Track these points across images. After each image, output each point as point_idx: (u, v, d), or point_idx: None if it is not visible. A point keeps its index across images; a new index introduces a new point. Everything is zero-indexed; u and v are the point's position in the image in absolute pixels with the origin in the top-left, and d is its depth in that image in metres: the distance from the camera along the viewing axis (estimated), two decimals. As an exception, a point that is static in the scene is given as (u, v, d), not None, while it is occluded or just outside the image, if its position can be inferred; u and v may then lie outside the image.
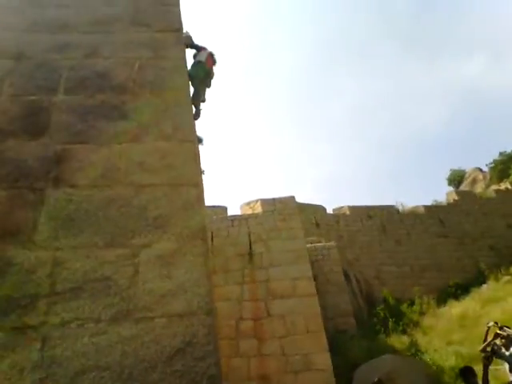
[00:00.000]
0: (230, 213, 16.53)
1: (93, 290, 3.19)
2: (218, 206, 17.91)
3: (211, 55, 7.30)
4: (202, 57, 7.13)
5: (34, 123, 4.14)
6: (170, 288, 3.21)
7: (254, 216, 14.64)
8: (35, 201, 3.61)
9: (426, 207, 24.52)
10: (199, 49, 7.21)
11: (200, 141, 6.42)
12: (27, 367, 2.91)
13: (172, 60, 4.83)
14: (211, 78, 7.25)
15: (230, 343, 11.81)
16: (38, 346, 2.98)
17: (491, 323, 6.12)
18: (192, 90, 6.47)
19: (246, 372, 11.63)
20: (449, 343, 13.80)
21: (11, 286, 3.17)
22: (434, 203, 26.40)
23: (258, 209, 14.96)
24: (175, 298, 3.18)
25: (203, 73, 6.99)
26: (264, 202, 15.05)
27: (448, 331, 14.59)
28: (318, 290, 13.55)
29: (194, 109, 6.47)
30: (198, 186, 3.89)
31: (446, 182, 40.30)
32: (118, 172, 3.85)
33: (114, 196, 3.69)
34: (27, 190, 3.67)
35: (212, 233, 13.65)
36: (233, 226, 14.42)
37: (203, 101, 7.11)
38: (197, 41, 7.22)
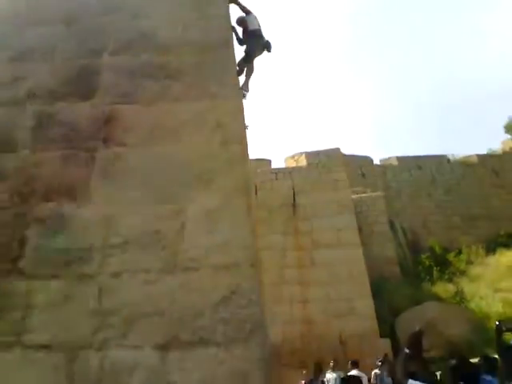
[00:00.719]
0: (273, 166, 16.58)
1: (143, 243, 3.40)
2: (262, 159, 17.97)
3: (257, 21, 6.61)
4: (254, 23, 6.51)
5: (84, 85, 4.28)
6: (215, 241, 3.37)
7: (298, 169, 14.61)
8: (87, 160, 3.81)
9: (480, 156, 23.42)
10: (245, 10, 6.58)
11: (243, 96, 6.20)
12: (86, 313, 3.20)
13: (216, 19, 4.76)
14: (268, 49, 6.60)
15: (274, 289, 12.20)
16: (96, 293, 3.26)
17: None
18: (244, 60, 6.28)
19: (289, 316, 12.09)
20: (496, 291, 13.66)
21: (70, 239, 3.44)
22: (489, 152, 25.16)
23: (303, 162, 14.89)
24: (220, 250, 3.34)
25: (261, 49, 6.50)
26: (309, 154, 14.93)
27: (496, 279, 14.40)
28: (362, 240, 13.61)
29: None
30: (242, 142, 3.95)
31: (503, 131, 37.66)
32: (164, 130, 3.97)
33: (162, 154, 3.83)
34: (80, 150, 3.88)
35: (256, 186, 13.78)
36: (277, 179, 14.48)
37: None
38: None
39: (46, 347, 3.08)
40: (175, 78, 4.28)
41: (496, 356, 4.05)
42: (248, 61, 6.37)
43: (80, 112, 4.08)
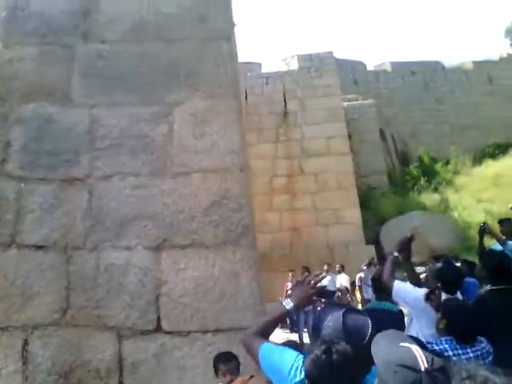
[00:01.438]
0: (264, 70, 15.97)
1: (131, 146, 3.34)
2: (252, 63, 17.22)
3: None
4: None
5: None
6: (204, 145, 3.31)
7: (290, 73, 14.11)
8: (66, 57, 3.59)
9: (475, 63, 22.72)
10: None
11: None
12: (79, 215, 3.22)
13: None
14: None
15: (264, 198, 12.42)
16: (86, 196, 3.25)
17: None
18: None
19: (278, 224, 12.45)
20: (479, 201, 14.04)
21: (54, 141, 3.35)
22: (486, 59, 24.41)
23: (294, 65, 14.35)
24: (209, 154, 3.29)
25: None
26: (300, 57, 14.34)
27: (480, 190, 14.73)
28: (352, 148, 13.63)
29: None
30: (230, 39, 3.71)
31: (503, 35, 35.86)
32: (147, 26, 3.70)
33: (144, 51, 3.62)
34: (57, 47, 3.63)
35: (246, 90, 13.37)
36: (267, 83, 14.03)
37: None
38: None
39: (41, 247, 3.15)
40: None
41: (476, 261, 4.25)
42: None
43: (55, 3, 3.76)
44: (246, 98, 13.44)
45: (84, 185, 3.28)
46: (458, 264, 4.84)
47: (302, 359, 1.65)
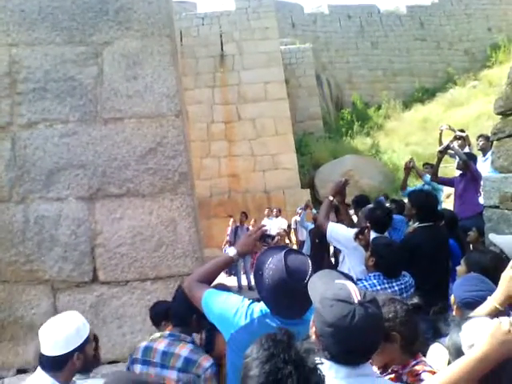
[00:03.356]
0: (199, 10, 15.16)
1: (57, 90, 3.08)
2: (187, 2, 16.27)
3: None
4: None
5: None
6: (137, 89, 3.13)
7: (227, 13, 13.54)
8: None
9: (408, 7, 23.06)
10: None
11: None
12: (1, 166, 2.99)
13: None
14: None
15: (201, 145, 12.25)
16: (9, 145, 3.01)
17: (444, 126, 6.36)
18: None
19: (216, 171, 12.40)
20: (407, 144, 14.73)
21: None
22: (419, 4, 24.80)
23: (231, 5, 13.75)
24: (143, 99, 3.12)
25: None
26: (238, -4, 13.76)
27: (408, 134, 15.42)
28: (288, 93, 13.58)
29: None
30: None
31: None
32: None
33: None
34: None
35: (181, 32, 12.71)
36: (203, 24, 13.39)
37: None
38: None
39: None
40: None
41: (404, 200, 4.52)
42: None
43: None
44: (181, 40, 12.82)
45: (6, 133, 3.02)
46: (387, 203, 5.16)
47: (249, 303, 1.70)
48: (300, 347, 1.04)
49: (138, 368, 1.92)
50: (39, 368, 1.74)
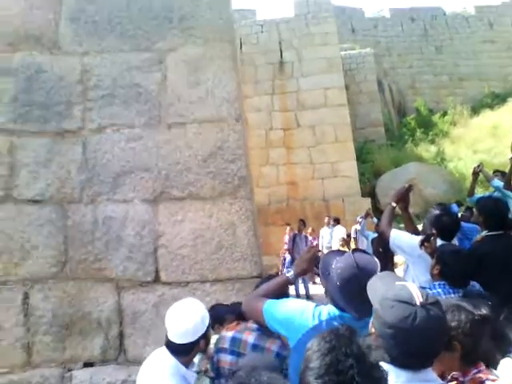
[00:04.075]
0: (259, 17, 15.33)
1: (124, 96, 3.23)
2: (247, 10, 16.51)
3: None
4: None
5: None
6: (198, 94, 3.21)
7: (286, 20, 13.61)
8: (53, 1, 3.39)
9: (477, 7, 21.99)
10: None
11: None
12: (73, 168, 3.17)
13: None
14: None
15: (260, 152, 12.34)
16: (80, 149, 3.18)
17: None
18: None
19: (275, 178, 12.43)
20: (475, 152, 13.98)
21: (45, 93, 3.23)
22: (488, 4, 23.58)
23: (290, 12, 13.82)
24: (205, 104, 3.20)
25: None
26: (296, 3, 13.76)
27: (476, 141, 14.63)
28: (349, 100, 13.39)
29: None
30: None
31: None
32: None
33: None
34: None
35: (241, 39, 12.93)
36: (262, 31, 13.55)
37: None
38: None
39: (37, 202, 3.12)
40: None
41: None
42: None
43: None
44: (241, 47, 13.04)
45: (77, 137, 3.20)
46: (459, 210, 4.92)
47: (314, 305, 1.69)
48: (362, 343, 1.00)
49: (227, 358, 1.96)
50: (164, 347, 1.93)
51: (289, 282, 1.93)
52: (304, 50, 13.08)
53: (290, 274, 1.91)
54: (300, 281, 7.96)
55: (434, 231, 2.95)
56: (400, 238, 3.08)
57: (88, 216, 3.12)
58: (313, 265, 1.93)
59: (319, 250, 1.99)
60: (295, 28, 13.40)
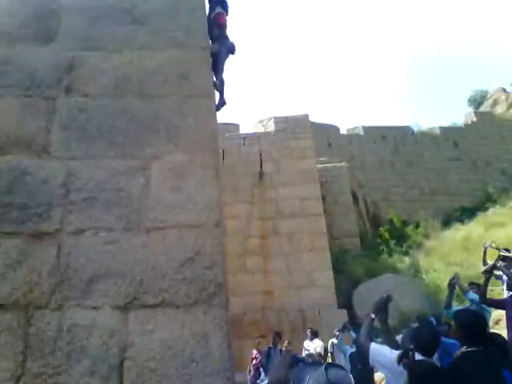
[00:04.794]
0: (242, 131, 16.29)
1: (106, 200, 3.25)
2: (230, 124, 17.59)
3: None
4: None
5: (43, 28, 3.99)
6: (180, 200, 3.25)
7: (267, 134, 14.46)
8: (47, 110, 3.56)
9: (442, 128, 23.87)
10: None
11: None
12: (44, 272, 3.04)
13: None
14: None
15: (237, 260, 12.24)
16: (54, 252, 3.10)
17: (488, 244, 6.17)
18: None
19: (251, 287, 12.19)
20: (448, 264, 14.21)
21: (27, 194, 3.23)
22: (452, 125, 25.67)
23: (271, 127, 14.75)
24: (185, 209, 3.23)
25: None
26: (277, 119, 14.78)
27: (449, 253, 14.96)
28: (325, 210, 13.77)
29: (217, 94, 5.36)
30: (211, 97, 3.79)
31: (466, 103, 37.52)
32: (129, 82, 3.76)
33: (126, 106, 3.64)
34: (39, 99, 3.62)
35: (223, 151, 13.57)
36: (244, 144, 14.31)
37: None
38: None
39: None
40: (142, 23, 4.05)
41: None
42: (216, 68, 5.45)
43: (39, 57, 3.80)
44: (223, 158, 13.60)
45: (53, 239, 3.13)
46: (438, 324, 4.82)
47: None
48: None
49: None
50: None
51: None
52: (283, 161, 13.74)
53: (265, 383, 1.78)
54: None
55: (411, 346, 2.87)
56: (380, 352, 2.97)
57: (53, 323, 2.92)
58: (288, 373, 1.81)
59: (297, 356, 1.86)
60: (275, 141, 14.21)
